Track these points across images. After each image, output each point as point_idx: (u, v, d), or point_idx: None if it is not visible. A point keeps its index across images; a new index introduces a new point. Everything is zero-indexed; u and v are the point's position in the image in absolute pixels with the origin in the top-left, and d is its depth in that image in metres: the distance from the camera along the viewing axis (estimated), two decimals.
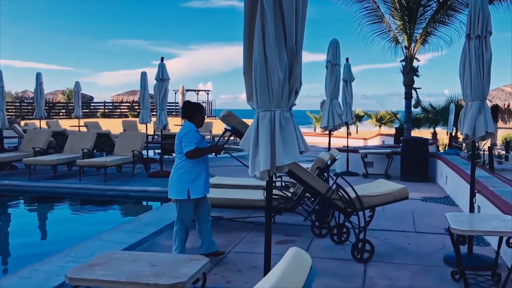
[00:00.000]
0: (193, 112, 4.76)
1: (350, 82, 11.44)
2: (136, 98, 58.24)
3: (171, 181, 4.69)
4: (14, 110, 37.29)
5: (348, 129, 11.97)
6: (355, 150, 11.60)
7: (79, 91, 19.64)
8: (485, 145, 17.67)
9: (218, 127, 25.58)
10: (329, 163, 6.01)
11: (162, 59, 11.03)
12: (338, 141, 15.82)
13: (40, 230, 8.05)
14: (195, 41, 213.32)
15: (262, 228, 5.75)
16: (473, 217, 4.52)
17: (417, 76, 12.71)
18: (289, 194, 5.98)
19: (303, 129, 31.93)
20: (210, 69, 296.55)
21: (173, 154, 5.61)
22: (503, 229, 3.74)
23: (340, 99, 10.25)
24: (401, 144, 11.23)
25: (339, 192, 4.94)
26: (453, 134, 15.66)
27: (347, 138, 11.78)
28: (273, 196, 4.79)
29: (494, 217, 4.29)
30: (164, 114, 10.92)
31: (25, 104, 46.38)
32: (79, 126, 19.71)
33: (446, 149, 16.58)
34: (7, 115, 15.05)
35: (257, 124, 2.89)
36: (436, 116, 17.64)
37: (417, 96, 12.86)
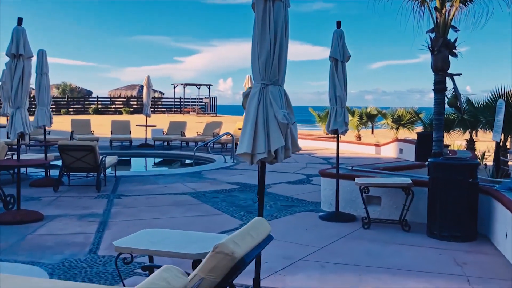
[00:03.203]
0: None
1: (343, 62, 6.77)
2: (134, 93, 54.44)
3: None
4: None
5: (338, 140, 7.29)
6: (349, 176, 6.97)
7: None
8: None
9: (192, 127, 20.50)
10: None
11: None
12: (340, 146, 11.09)
13: None
14: (216, 37, 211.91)
15: None
16: None
17: (455, 55, 7.98)
18: None
19: (305, 130, 26.80)
20: (231, 64, 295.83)
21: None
22: None
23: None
24: (427, 165, 6.49)
25: None
26: (501, 143, 10.95)
27: (337, 156, 7.10)
28: None
29: None
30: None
31: None
32: None
33: (492, 165, 11.78)
34: None
35: None
36: (475, 116, 12.78)
37: (455, 88, 8.06)
